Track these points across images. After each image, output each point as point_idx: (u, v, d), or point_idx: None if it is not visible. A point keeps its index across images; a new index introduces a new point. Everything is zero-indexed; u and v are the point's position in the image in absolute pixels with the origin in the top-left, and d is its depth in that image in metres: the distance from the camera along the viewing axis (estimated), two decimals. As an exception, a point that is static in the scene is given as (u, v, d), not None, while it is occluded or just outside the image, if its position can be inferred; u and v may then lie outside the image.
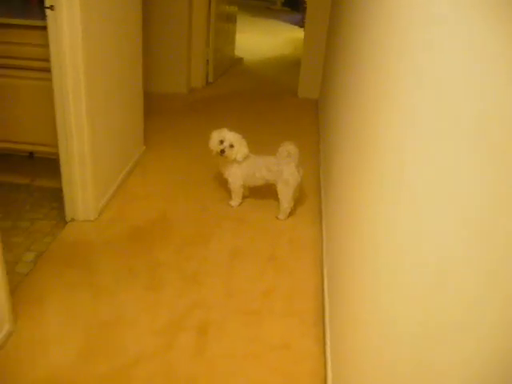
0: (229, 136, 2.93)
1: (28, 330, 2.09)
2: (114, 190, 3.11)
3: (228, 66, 6.19)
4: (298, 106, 5.11)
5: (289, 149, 2.90)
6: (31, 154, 3.01)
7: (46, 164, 2.93)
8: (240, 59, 6.68)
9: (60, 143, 2.65)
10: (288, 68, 6.51)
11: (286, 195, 2.94)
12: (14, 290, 2.25)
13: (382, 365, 1.20)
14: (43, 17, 2.39)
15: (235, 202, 3.13)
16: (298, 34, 5.10)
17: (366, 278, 1.46)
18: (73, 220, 2.84)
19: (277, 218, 3.01)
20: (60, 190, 2.81)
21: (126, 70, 3.13)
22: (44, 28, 2.42)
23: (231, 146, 2.92)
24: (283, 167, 2.92)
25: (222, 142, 2.93)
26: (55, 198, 2.97)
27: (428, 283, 0.92)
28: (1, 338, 1.98)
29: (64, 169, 2.73)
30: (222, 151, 2.92)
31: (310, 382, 1.95)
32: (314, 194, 3.28)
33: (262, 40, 8.16)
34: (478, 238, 0.75)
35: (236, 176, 3.04)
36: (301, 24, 8.68)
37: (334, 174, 2.60)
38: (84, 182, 2.76)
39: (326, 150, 3.30)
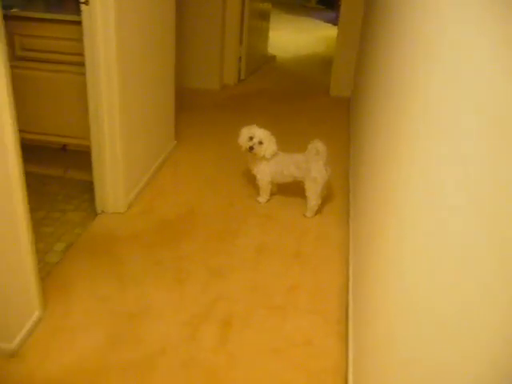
0: (258, 133, 2.95)
1: (56, 317, 2.14)
2: (144, 184, 3.16)
3: (261, 64, 6.20)
4: (330, 104, 5.09)
5: (317, 146, 2.90)
6: (64, 147, 3.08)
7: (79, 157, 3.00)
8: (273, 57, 6.68)
9: (92, 137, 2.71)
10: (321, 66, 6.49)
11: (313, 193, 2.94)
12: (44, 279, 2.32)
13: (403, 363, 1.20)
14: (79, 12, 2.44)
15: (263, 198, 3.15)
16: (332, 31, 5.07)
17: (390, 279, 1.46)
18: (103, 212, 2.89)
19: (304, 215, 3.01)
20: (91, 183, 2.87)
21: (159, 66, 3.17)
22: (79, 23, 2.47)
23: (260, 142, 2.93)
24: (311, 165, 2.91)
25: (251, 138, 2.95)
26: (86, 190, 3.03)
27: (451, 282, 0.92)
28: (30, 324, 2.04)
29: (95, 162, 2.78)
30: (251, 148, 2.94)
31: (330, 379, 1.95)
32: (343, 193, 3.27)
33: (295, 37, 8.15)
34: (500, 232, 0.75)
35: (264, 173, 3.06)
36: (335, 22, 8.62)
37: (363, 174, 2.58)
38: (115, 176, 2.81)
39: (356, 150, 3.28)
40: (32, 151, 3.09)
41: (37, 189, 3.07)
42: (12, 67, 2.81)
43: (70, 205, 2.97)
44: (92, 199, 2.91)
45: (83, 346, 2.02)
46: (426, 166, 1.19)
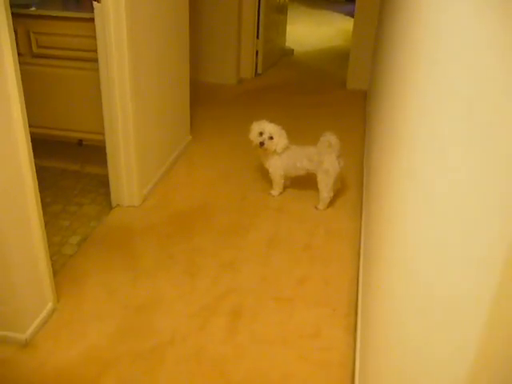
0: (268, 128, 2.95)
1: (69, 308, 2.20)
2: (158, 178, 3.20)
3: (278, 58, 6.20)
4: (347, 97, 5.07)
5: (330, 139, 2.90)
6: (80, 142, 3.13)
7: (95, 151, 3.04)
8: (291, 50, 6.67)
9: (107, 131, 2.76)
10: (339, 59, 6.46)
11: (325, 185, 2.95)
12: (59, 271, 2.37)
13: (411, 355, 1.20)
14: (92, 9, 2.48)
15: (276, 191, 3.16)
16: (352, 24, 5.05)
17: (395, 272, 1.46)
18: (118, 206, 2.94)
19: (316, 207, 3.02)
20: (107, 177, 2.91)
21: (173, 60, 3.20)
22: (92, 20, 2.52)
23: (270, 137, 2.94)
24: (324, 157, 2.92)
25: (261, 133, 2.95)
26: (102, 184, 3.08)
27: (459, 272, 0.92)
28: (44, 315, 2.10)
29: (110, 156, 2.83)
30: (262, 143, 2.94)
31: (337, 371, 1.97)
32: (356, 187, 3.27)
33: (314, 31, 8.12)
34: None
35: (276, 166, 3.07)
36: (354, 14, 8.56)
37: (376, 166, 2.58)
38: (129, 170, 2.86)
39: (370, 144, 3.27)
40: (49, 146, 3.16)
41: (54, 183, 3.14)
42: (29, 64, 2.91)
43: (85, 199, 3.02)
44: (107, 193, 2.96)
45: (94, 336, 2.07)
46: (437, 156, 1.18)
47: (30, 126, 1.85)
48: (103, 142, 2.81)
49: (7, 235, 1.84)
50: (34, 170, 1.91)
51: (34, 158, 1.91)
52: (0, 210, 1.78)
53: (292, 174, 3.14)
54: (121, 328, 2.12)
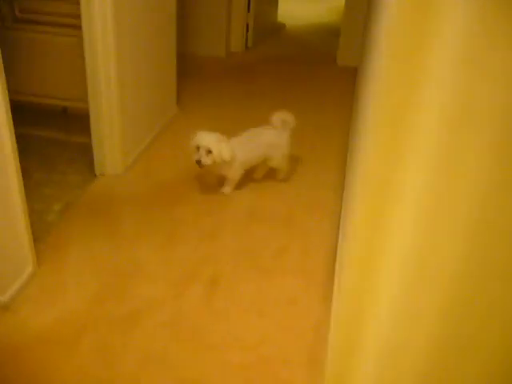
0: (204, 141, 2.59)
1: (50, 273, 2.22)
2: (143, 148, 3.20)
3: (269, 32, 6.16)
4: (337, 73, 5.06)
5: (284, 118, 2.82)
6: (65, 109, 3.13)
7: (79, 120, 3.04)
8: (282, 25, 6.63)
9: (90, 99, 2.75)
10: (330, 35, 6.42)
11: (284, 163, 2.93)
12: (40, 237, 2.39)
13: (381, 324, 1.23)
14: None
15: (229, 188, 2.90)
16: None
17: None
18: (102, 174, 2.95)
19: (280, 180, 3.01)
20: (91, 145, 2.92)
21: (158, 29, 3.19)
22: (76, -15, 2.50)
23: (209, 151, 2.58)
24: (282, 138, 2.85)
25: (198, 148, 2.61)
26: (86, 152, 3.08)
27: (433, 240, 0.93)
28: (24, 279, 2.12)
29: (94, 124, 2.83)
30: (198, 162, 2.60)
31: (311, 336, 2.01)
32: (340, 164, 3.28)
33: (308, 7, 8.04)
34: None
35: (235, 170, 2.81)
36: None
37: (355, 145, 2.59)
38: (113, 138, 2.86)
39: (353, 121, 3.28)
40: (33, 115, 3.16)
41: (38, 151, 3.13)
42: (11, 29, 2.88)
43: (69, 167, 3.03)
44: (91, 162, 2.96)
45: (73, 300, 2.10)
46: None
47: (14, 92, 1.84)
48: (87, 110, 2.81)
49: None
50: (14, 134, 1.91)
51: (19, 126, 1.92)
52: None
53: (248, 168, 2.92)
54: (100, 293, 2.14)
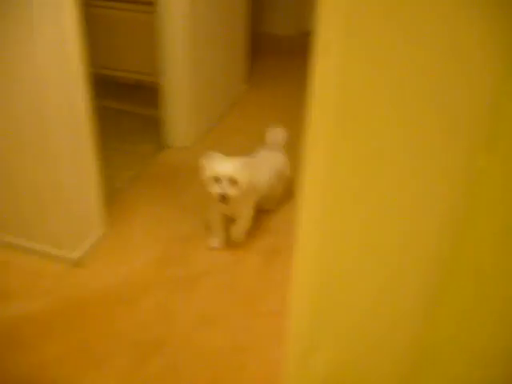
0: (226, 171, 2.07)
1: (118, 236, 2.36)
2: (212, 122, 3.29)
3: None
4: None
5: (279, 135, 2.53)
6: (137, 83, 3.25)
7: (151, 93, 3.16)
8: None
9: (163, 74, 2.86)
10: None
11: (279, 189, 2.51)
12: (111, 202, 2.53)
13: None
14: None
15: (241, 233, 2.34)
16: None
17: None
18: (171, 146, 3.07)
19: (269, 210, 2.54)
20: (161, 118, 3.03)
21: (232, 7, 3.24)
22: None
23: (234, 182, 2.06)
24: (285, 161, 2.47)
25: (217, 180, 2.07)
26: (157, 125, 3.20)
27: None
28: (94, 238, 2.27)
29: (165, 98, 2.94)
30: (223, 197, 2.05)
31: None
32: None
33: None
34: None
35: (250, 207, 2.31)
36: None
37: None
38: (183, 112, 2.97)
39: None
40: (106, 87, 3.31)
41: (109, 122, 3.29)
42: (87, 6, 3.01)
43: (140, 138, 3.16)
44: (162, 134, 3.08)
45: (138, 261, 2.23)
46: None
47: (91, 65, 1.96)
48: (159, 84, 2.92)
49: (62, 159, 1.99)
50: (89, 101, 2.04)
51: (95, 97, 2.04)
52: (59, 137, 1.93)
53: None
54: (163, 256, 2.27)
